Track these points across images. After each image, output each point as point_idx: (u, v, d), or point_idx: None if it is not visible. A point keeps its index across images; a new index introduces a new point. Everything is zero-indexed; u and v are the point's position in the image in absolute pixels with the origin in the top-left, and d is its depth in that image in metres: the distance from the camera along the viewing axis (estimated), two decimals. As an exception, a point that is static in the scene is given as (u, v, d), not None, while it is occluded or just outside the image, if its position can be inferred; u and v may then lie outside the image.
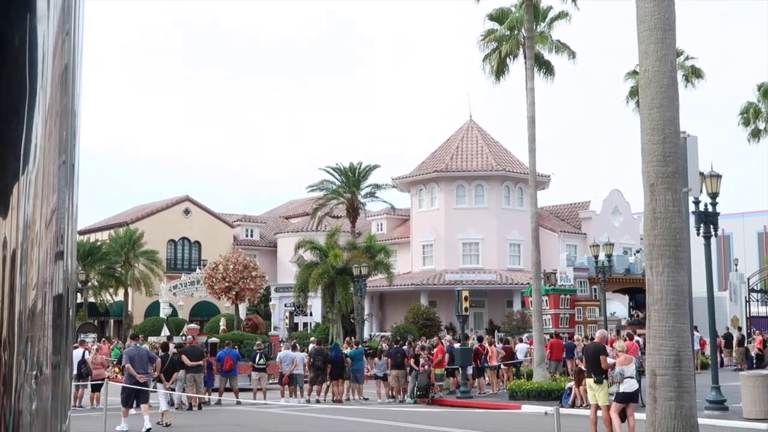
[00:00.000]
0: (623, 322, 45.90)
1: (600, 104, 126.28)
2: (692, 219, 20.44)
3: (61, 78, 1.17)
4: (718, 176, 21.16)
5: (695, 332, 30.25)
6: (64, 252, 1.18)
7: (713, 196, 21.17)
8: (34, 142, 1.12)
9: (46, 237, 1.14)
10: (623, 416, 15.91)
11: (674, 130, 10.56)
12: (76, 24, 1.20)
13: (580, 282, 43.28)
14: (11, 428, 1.07)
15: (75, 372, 25.03)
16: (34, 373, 1.11)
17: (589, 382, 16.88)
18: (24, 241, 1.10)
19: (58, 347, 1.16)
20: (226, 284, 37.48)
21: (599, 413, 16.50)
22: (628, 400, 15.88)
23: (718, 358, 27.75)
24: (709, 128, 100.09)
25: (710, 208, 21.34)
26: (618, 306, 50.48)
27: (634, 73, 34.49)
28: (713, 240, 22.18)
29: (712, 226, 21.31)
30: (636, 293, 46.47)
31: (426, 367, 25.83)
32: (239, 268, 37.78)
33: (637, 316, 45.43)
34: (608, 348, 17.54)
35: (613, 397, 16.17)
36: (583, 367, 17.87)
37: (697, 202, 20.79)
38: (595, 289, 43.61)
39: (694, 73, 38.87)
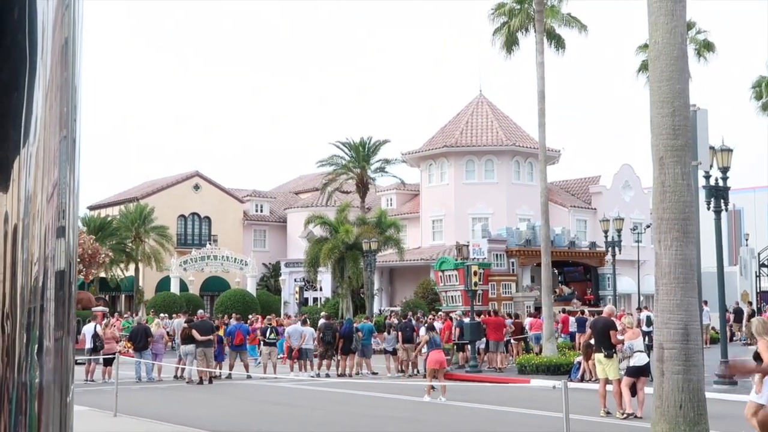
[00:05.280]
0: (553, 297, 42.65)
1: (611, 78, 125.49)
2: (703, 193, 20.35)
3: (62, 52, 1.17)
4: (729, 150, 21.03)
5: (705, 307, 30.26)
6: (66, 227, 1.18)
7: (724, 170, 21.05)
8: (35, 116, 1.12)
9: (48, 212, 1.14)
10: (633, 390, 15.98)
11: (684, 102, 10.48)
12: (76, -3, 1.20)
13: (496, 255, 40.74)
14: (14, 401, 1.08)
15: (90, 346, 25.28)
16: (36, 346, 1.11)
17: (599, 356, 16.92)
18: (25, 215, 1.10)
19: (61, 321, 1.17)
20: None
21: (608, 387, 16.56)
22: (638, 373, 15.92)
23: (728, 333, 27.78)
24: (722, 102, 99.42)
25: (721, 183, 21.24)
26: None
27: (645, 46, 34.19)
28: (724, 214, 22.09)
29: (722, 201, 21.22)
30: (564, 266, 44.04)
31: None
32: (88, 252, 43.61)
33: (563, 292, 42.71)
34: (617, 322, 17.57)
35: (623, 372, 16.22)
36: (591, 342, 17.91)
37: (707, 177, 20.68)
38: (512, 263, 41.25)
39: (706, 47, 38.50)
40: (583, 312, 33.30)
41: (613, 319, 17.89)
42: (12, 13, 1.08)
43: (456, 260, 37.94)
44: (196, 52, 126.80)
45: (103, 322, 28.98)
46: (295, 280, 55.00)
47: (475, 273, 29.16)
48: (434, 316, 33.00)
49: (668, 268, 10.22)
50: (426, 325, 23.81)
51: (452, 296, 37.87)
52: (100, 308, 39.11)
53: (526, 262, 42.01)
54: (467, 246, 39.32)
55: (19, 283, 1.09)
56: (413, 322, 28.54)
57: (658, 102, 10.45)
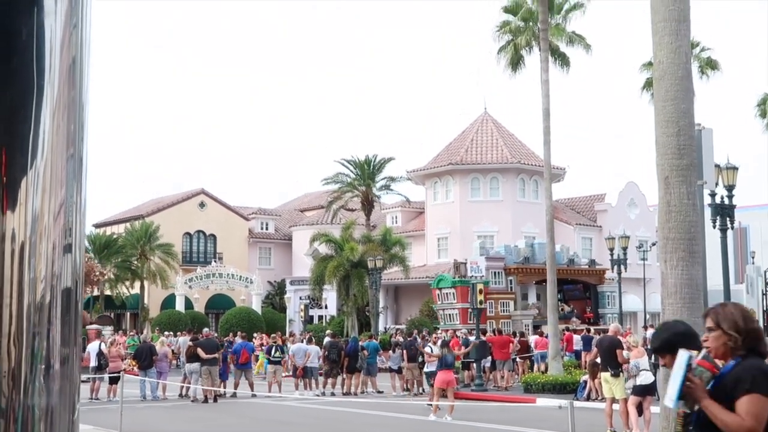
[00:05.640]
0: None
1: (616, 96, 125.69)
2: (708, 211, 20.32)
3: (69, 71, 1.17)
4: (735, 168, 21.02)
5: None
6: (72, 245, 1.18)
7: (729, 188, 21.04)
8: (42, 136, 1.12)
9: (54, 230, 1.15)
10: (640, 410, 15.90)
11: (689, 122, 10.49)
12: (84, 16, 1.21)
13: (494, 273, 39.99)
14: (20, 421, 1.08)
15: (95, 364, 25.27)
16: (43, 364, 1.11)
17: (605, 375, 16.85)
18: (32, 234, 1.11)
19: (67, 340, 1.17)
20: None
21: (615, 406, 16.48)
22: (645, 392, 15.85)
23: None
24: (727, 119, 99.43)
25: (726, 201, 21.22)
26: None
27: (649, 64, 34.29)
28: (729, 232, 22.04)
29: (728, 219, 21.19)
30: (563, 284, 41.89)
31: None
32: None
33: (562, 310, 40.57)
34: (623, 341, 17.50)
35: (629, 391, 16.14)
36: (598, 360, 17.84)
37: (713, 195, 20.66)
38: (510, 281, 40.56)
39: (709, 65, 38.60)
40: (588, 330, 33.16)
41: (619, 337, 17.83)
42: (20, 34, 1.09)
43: (454, 278, 37.70)
44: (196, 58, 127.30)
45: (108, 341, 28.92)
46: (300, 298, 54.94)
47: (480, 291, 29.11)
48: (427, 335, 32.72)
49: (674, 288, 10.19)
50: (440, 341, 23.38)
51: (450, 314, 37.54)
52: (94, 326, 39.01)
53: (524, 280, 41.56)
54: (465, 264, 39.02)
55: (26, 301, 1.10)
56: (418, 340, 28.44)
57: (663, 122, 10.45)
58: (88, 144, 1.25)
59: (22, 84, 1.09)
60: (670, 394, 4.01)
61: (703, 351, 4.01)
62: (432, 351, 24.34)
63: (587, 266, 44.33)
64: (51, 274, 1.14)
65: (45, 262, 1.13)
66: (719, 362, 4.01)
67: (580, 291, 44.86)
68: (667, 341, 4.63)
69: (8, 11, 1.08)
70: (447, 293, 37.76)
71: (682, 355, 3.98)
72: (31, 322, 1.10)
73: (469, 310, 36.42)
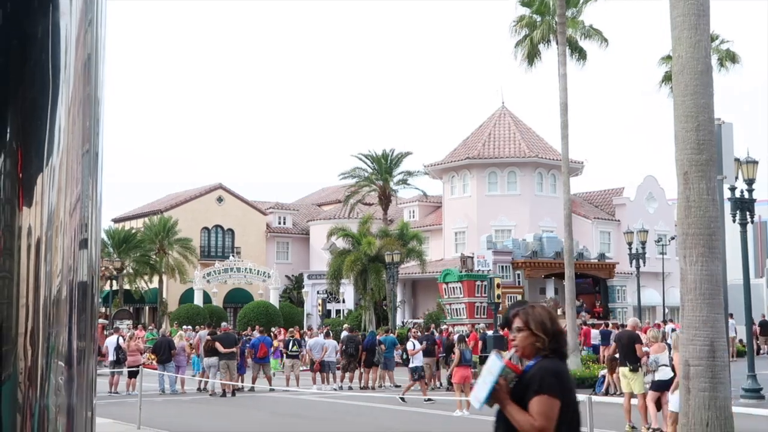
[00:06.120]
0: (559, 311, 39.63)
1: (634, 89, 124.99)
2: (728, 205, 20.18)
3: (84, 68, 1.18)
4: (755, 162, 20.86)
5: (731, 320, 29.92)
6: (89, 240, 1.19)
7: (750, 182, 20.88)
8: (58, 133, 1.13)
9: (71, 225, 1.15)
10: (658, 405, 15.82)
11: (708, 117, 10.40)
12: (99, 12, 1.21)
13: (502, 267, 39.62)
14: (37, 415, 1.09)
15: (113, 358, 25.45)
16: (59, 362, 1.12)
17: (624, 370, 16.78)
18: (48, 229, 1.12)
19: (83, 334, 1.18)
20: None
21: (633, 401, 16.41)
22: (663, 388, 15.76)
23: (755, 346, 27.47)
24: (748, 111, 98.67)
25: (746, 195, 21.06)
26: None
27: (668, 58, 34.05)
28: (749, 227, 21.90)
29: (748, 213, 21.04)
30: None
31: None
32: None
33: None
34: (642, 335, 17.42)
35: (648, 386, 16.07)
36: (616, 355, 17.77)
37: (733, 189, 20.51)
38: (518, 275, 40.14)
39: (729, 57, 38.26)
40: (606, 325, 33.04)
41: (638, 332, 17.75)
42: (36, 33, 1.10)
43: (460, 272, 37.30)
44: (215, 53, 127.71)
45: (127, 335, 29.09)
46: (317, 292, 55.05)
47: (498, 285, 29.08)
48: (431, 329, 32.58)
49: (693, 284, 10.12)
50: (457, 336, 23.22)
51: (456, 309, 37.16)
52: (100, 321, 39.25)
53: (532, 274, 41.13)
54: (472, 258, 38.71)
55: (42, 295, 1.10)
56: (435, 335, 28.42)
57: (682, 116, 10.37)
58: (104, 139, 1.26)
59: (37, 82, 1.10)
60: (478, 395, 4.10)
61: (512, 351, 4.12)
62: (414, 347, 24.32)
63: (597, 260, 43.94)
64: (67, 269, 1.15)
65: (61, 256, 1.14)
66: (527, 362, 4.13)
67: (590, 285, 44.46)
68: (506, 318, 4.69)
69: (24, 11, 1.09)
70: (453, 287, 37.44)
71: (495, 360, 4.08)
72: (48, 316, 1.11)
73: (477, 304, 36.37)
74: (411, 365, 23.90)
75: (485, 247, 40.78)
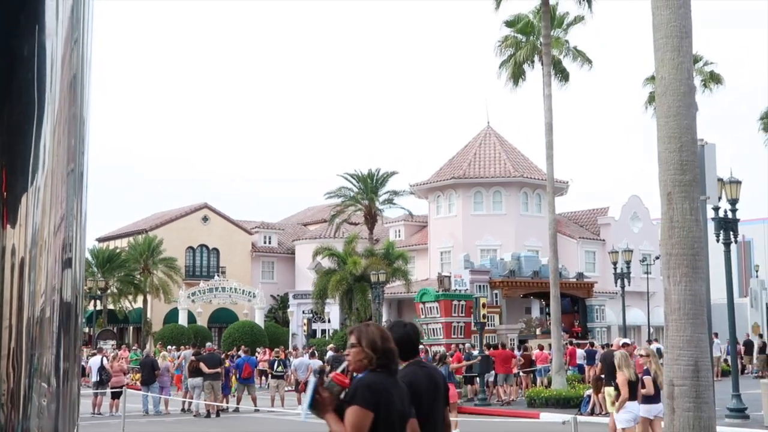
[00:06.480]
0: (538, 331, 39.42)
1: (618, 109, 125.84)
2: (712, 225, 20.29)
3: (70, 87, 1.18)
4: (738, 182, 21.01)
5: (715, 339, 30.01)
6: (73, 259, 1.19)
7: (733, 202, 21.02)
8: (43, 152, 1.13)
9: (55, 244, 1.15)
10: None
11: (691, 138, 10.49)
12: (85, 32, 1.21)
13: (479, 286, 39.20)
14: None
15: (96, 379, 25.24)
16: (42, 383, 1.11)
17: (609, 390, 16.77)
18: (32, 248, 1.11)
19: (67, 353, 1.17)
20: None
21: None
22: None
23: (739, 365, 27.54)
24: (731, 132, 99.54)
25: (730, 215, 21.20)
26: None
27: (653, 78, 34.36)
28: (733, 246, 22.02)
29: (731, 233, 21.16)
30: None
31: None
32: None
33: (546, 324, 38.79)
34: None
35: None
36: (602, 375, 17.78)
37: (716, 209, 20.64)
38: (496, 294, 39.71)
39: (713, 79, 38.66)
40: (592, 344, 33.06)
41: (623, 351, 17.75)
42: (21, 53, 1.10)
43: (437, 292, 37.10)
44: (198, 72, 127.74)
45: (111, 355, 28.88)
46: (303, 312, 54.87)
47: (484, 305, 29.06)
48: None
49: (677, 304, 10.16)
50: (438, 356, 23.17)
51: (433, 329, 36.78)
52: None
53: (510, 294, 40.72)
54: (449, 277, 38.42)
55: (26, 315, 1.10)
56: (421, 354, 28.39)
57: (666, 137, 10.45)
58: (89, 158, 1.26)
59: (23, 102, 1.10)
60: (303, 407, 4.44)
61: (344, 364, 4.40)
62: None
63: (575, 279, 43.87)
64: (51, 289, 1.14)
65: (45, 276, 1.13)
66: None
67: (568, 304, 44.27)
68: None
69: (10, 31, 1.09)
70: (431, 307, 37.13)
71: (311, 377, 4.39)
72: (31, 337, 1.10)
73: (454, 324, 36.18)
74: None
75: (462, 267, 40.48)
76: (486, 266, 40.97)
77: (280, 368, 27.18)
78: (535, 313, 44.48)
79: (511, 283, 40.44)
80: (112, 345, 44.05)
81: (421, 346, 33.09)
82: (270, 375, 27.91)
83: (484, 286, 39.76)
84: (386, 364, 4.32)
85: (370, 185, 52.43)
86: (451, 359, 27.32)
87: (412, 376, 4.99)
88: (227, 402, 25.73)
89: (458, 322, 36.65)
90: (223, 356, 28.70)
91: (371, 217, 52.39)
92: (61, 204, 1.16)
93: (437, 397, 5.18)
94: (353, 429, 4.11)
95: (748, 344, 38.60)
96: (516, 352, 30.10)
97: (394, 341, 4.89)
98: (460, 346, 30.99)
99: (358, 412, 4.13)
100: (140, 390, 25.90)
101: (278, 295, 60.53)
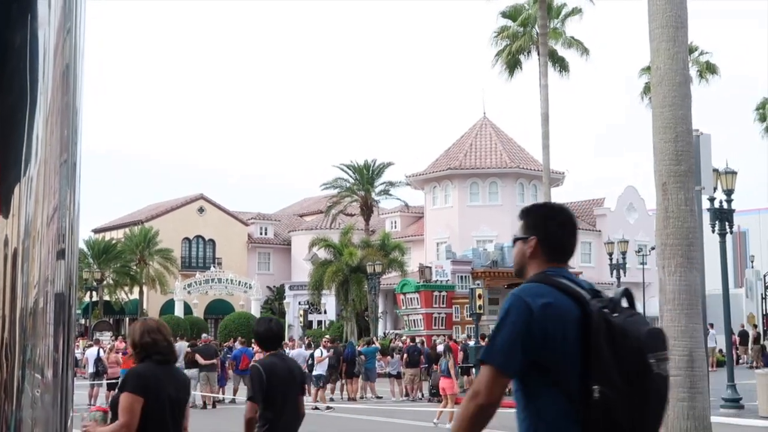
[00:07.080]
0: None
1: (615, 100, 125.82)
2: (707, 216, 20.31)
3: (63, 77, 1.17)
4: (734, 173, 21.03)
5: (711, 330, 30.06)
6: (66, 250, 1.18)
7: (728, 192, 21.04)
8: (35, 143, 1.12)
9: (48, 235, 1.15)
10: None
11: (686, 128, 10.49)
12: (77, 22, 1.21)
13: (460, 277, 38.61)
14: (13, 427, 1.08)
15: (92, 370, 25.21)
16: (36, 374, 1.11)
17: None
18: (25, 239, 1.11)
19: (60, 344, 1.17)
20: None
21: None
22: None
23: (734, 356, 27.61)
24: (727, 122, 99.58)
25: (725, 205, 21.22)
26: None
27: (648, 69, 34.35)
28: (728, 237, 22.04)
29: (727, 223, 21.18)
30: None
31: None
32: None
33: None
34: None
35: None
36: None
37: (712, 199, 20.66)
38: (478, 284, 37.69)
39: (709, 69, 38.68)
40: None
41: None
42: (13, 43, 1.09)
43: (418, 283, 36.91)
44: (195, 63, 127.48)
45: (107, 347, 28.87)
46: (299, 303, 54.90)
47: (480, 296, 29.10)
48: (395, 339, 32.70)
49: (672, 294, 10.17)
50: (443, 347, 23.23)
51: (414, 320, 36.58)
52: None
53: (492, 285, 40.50)
54: (430, 268, 38.11)
55: (19, 306, 1.10)
56: (419, 345, 28.42)
57: (661, 128, 10.45)
58: (83, 149, 1.25)
59: (15, 91, 1.10)
60: None
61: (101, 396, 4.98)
62: (322, 354, 24.62)
63: None
64: (44, 280, 1.14)
65: (38, 267, 1.13)
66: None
67: None
68: None
69: (2, 20, 1.09)
70: (411, 298, 36.88)
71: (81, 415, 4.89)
72: (24, 328, 1.10)
73: (434, 315, 36.00)
74: (315, 373, 24.08)
75: (444, 257, 39.98)
76: (468, 257, 40.31)
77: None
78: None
79: (493, 273, 39.64)
80: (111, 336, 44.04)
81: (404, 338, 33.15)
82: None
83: (465, 276, 38.97)
84: (148, 356, 4.62)
85: (366, 176, 52.41)
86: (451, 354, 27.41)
87: (272, 366, 5.85)
88: (223, 393, 25.74)
89: (439, 313, 36.34)
90: (219, 347, 28.73)
91: (367, 208, 52.39)
92: (54, 194, 1.16)
93: (293, 386, 5.99)
94: (125, 413, 4.40)
95: (744, 335, 38.71)
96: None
97: (258, 335, 6.09)
98: (455, 338, 31.06)
99: (127, 398, 4.43)
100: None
101: (274, 287, 60.55)
